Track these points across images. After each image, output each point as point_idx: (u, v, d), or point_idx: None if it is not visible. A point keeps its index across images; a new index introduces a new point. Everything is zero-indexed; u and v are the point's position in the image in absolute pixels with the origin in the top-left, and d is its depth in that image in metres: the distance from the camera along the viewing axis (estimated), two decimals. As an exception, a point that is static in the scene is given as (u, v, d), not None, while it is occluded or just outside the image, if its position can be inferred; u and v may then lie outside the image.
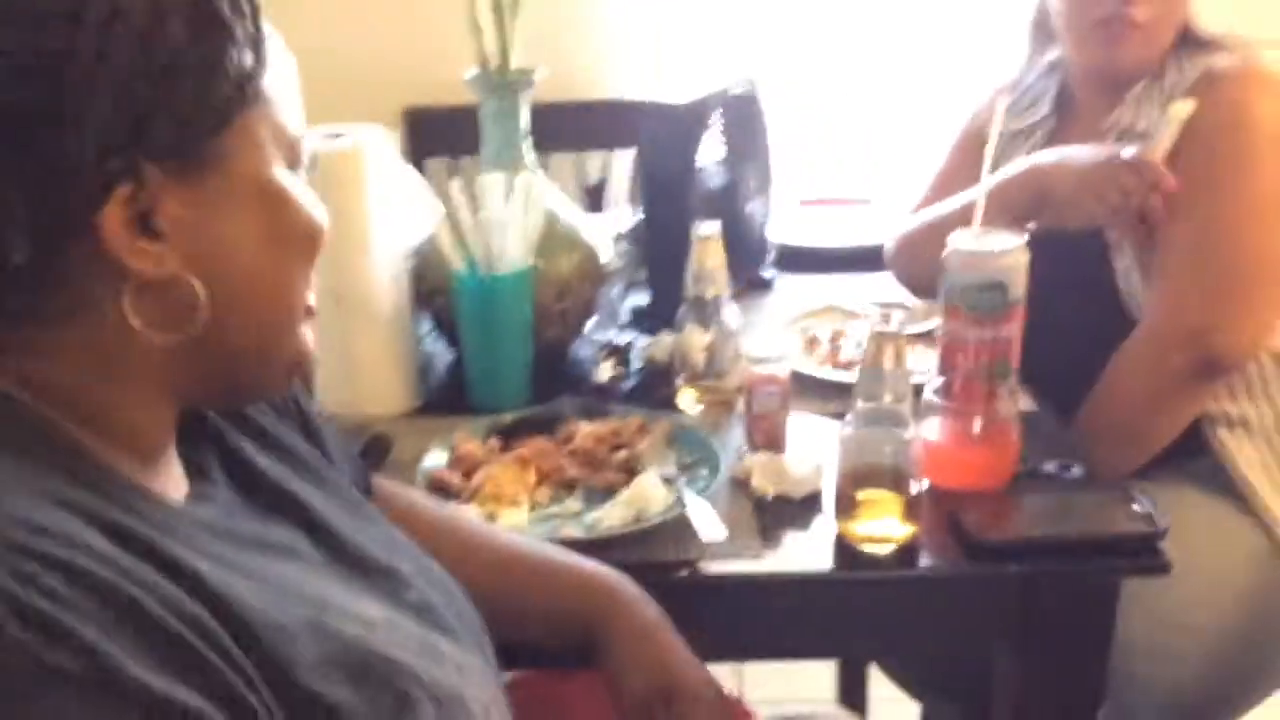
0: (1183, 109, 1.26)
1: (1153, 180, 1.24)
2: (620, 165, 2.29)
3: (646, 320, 1.48)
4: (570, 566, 0.90)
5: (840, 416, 1.05)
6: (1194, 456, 1.32)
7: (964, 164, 1.46)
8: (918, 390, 1.09)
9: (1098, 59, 1.36)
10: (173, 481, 0.64)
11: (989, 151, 1.19)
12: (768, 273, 1.66)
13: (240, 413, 0.73)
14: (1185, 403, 1.29)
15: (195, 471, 0.67)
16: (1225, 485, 1.32)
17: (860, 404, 1.03)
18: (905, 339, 1.06)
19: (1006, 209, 1.34)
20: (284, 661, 0.54)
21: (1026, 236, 1.11)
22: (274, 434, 0.74)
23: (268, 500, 0.68)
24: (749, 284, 1.61)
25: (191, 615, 0.50)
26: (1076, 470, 1.09)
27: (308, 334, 0.68)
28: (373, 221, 1.21)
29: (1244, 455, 1.32)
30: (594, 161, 2.31)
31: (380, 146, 1.22)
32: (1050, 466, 1.11)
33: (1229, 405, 1.32)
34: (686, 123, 1.43)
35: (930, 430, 1.08)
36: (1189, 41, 1.35)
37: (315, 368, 1.26)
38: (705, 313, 1.26)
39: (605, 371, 1.36)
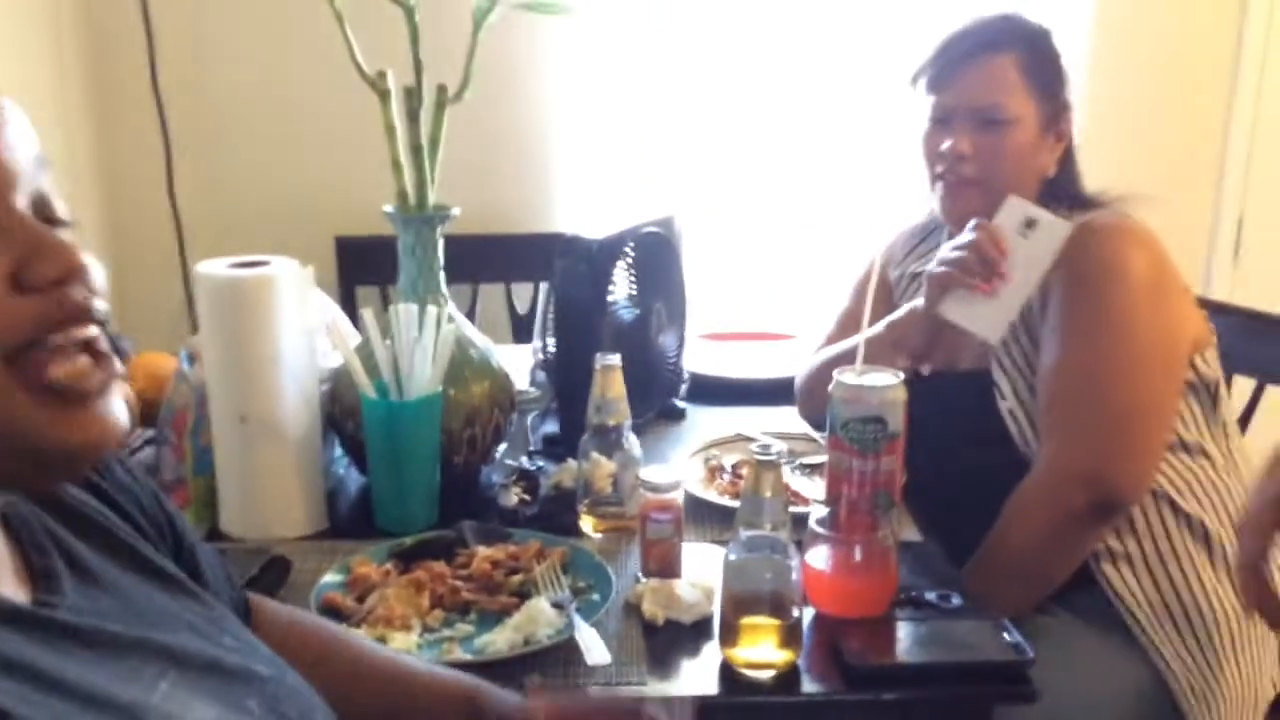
0: (1061, 229, 1.33)
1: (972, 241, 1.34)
2: (543, 298, 2.36)
3: (556, 447, 1.52)
4: (441, 679, 0.92)
5: (730, 538, 1.09)
6: (1078, 590, 1.37)
7: (861, 305, 1.54)
8: (800, 519, 1.13)
9: (944, 211, 1.46)
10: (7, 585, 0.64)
11: (868, 301, 1.26)
12: (680, 403, 1.71)
13: (88, 522, 0.72)
14: (1081, 542, 1.34)
15: (42, 575, 0.66)
16: (1111, 618, 1.35)
17: (741, 531, 1.06)
18: (782, 468, 1.10)
19: (900, 348, 1.41)
20: None
21: (903, 376, 1.17)
22: (126, 543, 0.74)
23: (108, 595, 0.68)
24: (661, 413, 1.66)
25: None
26: (955, 600, 1.13)
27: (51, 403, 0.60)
28: (282, 346, 1.25)
29: (1129, 589, 1.36)
30: (524, 292, 2.38)
31: (294, 276, 1.26)
32: (931, 595, 1.14)
33: (1113, 541, 1.37)
34: (598, 258, 1.49)
35: (815, 558, 1.12)
36: (1064, 197, 1.44)
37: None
38: (607, 441, 1.30)
39: (512, 497, 1.39)
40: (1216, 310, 1.53)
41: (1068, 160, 1.47)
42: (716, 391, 1.78)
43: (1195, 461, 1.39)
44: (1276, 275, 2.38)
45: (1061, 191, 1.45)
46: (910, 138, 1.48)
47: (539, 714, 0.86)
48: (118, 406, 0.63)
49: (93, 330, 0.62)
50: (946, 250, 1.37)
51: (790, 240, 2.54)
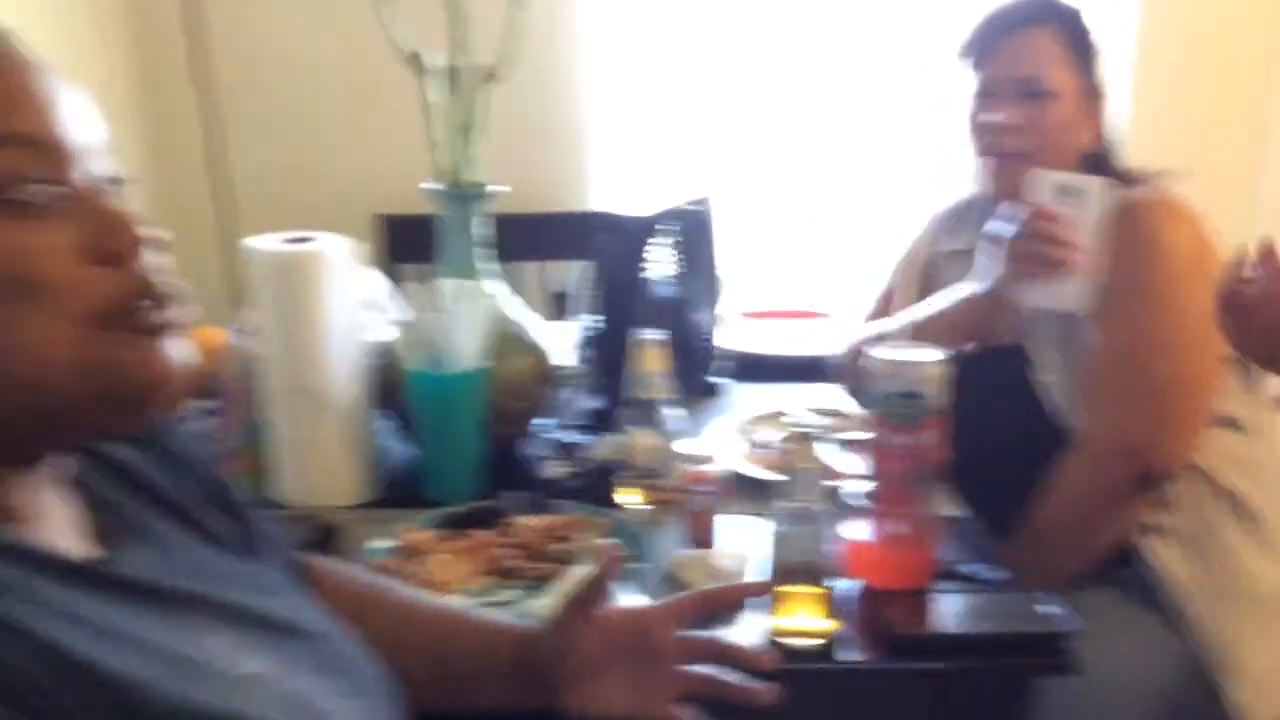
0: (1095, 184, 1.35)
1: (1036, 228, 1.34)
2: (582, 275, 2.38)
3: (597, 421, 1.54)
4: (488, 618, 0.94)
5: (769, 512, 1.11)
6: (1119, 566, 1.37)
7: (907, 283, 1.55)
8: (838, 493, 1.14)
9: (991, 184, 1.46)
10: (64, 538, 0.66)
11: (914, 281, 1.26)
12: (715, 379, 1.72)
13: (143, 482, 0.75)
14: (1124, 514, 1.35)
15: (103, 531, 0.69)
16: (1151, 594, 1.36)
17: (783, 504, 1.08)
18: (820, 442, 1.11)
19: (953, 329, 1.43)
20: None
21: (947, 352, 1.17)
22: (179, 504, 0.76)
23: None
24: (696, 389, 1.68)
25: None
26: (996, 574, 1.14)
27: (123, 346, 0.63)
28: (330, 321, 1.28)
29: (1168, 564, 1.37)
30: (558, 271, 2.40)
31: (341, 251, 1.29)
32: (972, 569, 1.16)
33: (1153, 516, 1.37)
34: (635, 237, 1.51)
35: (857, 530, 1.13)
36: (1106, 171, 1.44)
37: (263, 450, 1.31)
38: (646, 415, 1.32)
39: (554, 469, 1.41)
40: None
41: (1107, 136, 1.47)
42: (756, 368, 1.79)
43: (1235, 435, 1.39)
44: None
45: (1103, 165, 1.45)
46: (946, 114, 1.49)
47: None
48: (182, 347, 0.66)
49: (159, 302, 0.64)
50: (1004, 242, 1.37)
51: (825, 219, 2.54)
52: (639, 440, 1.32)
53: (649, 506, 1.32)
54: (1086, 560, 1.37)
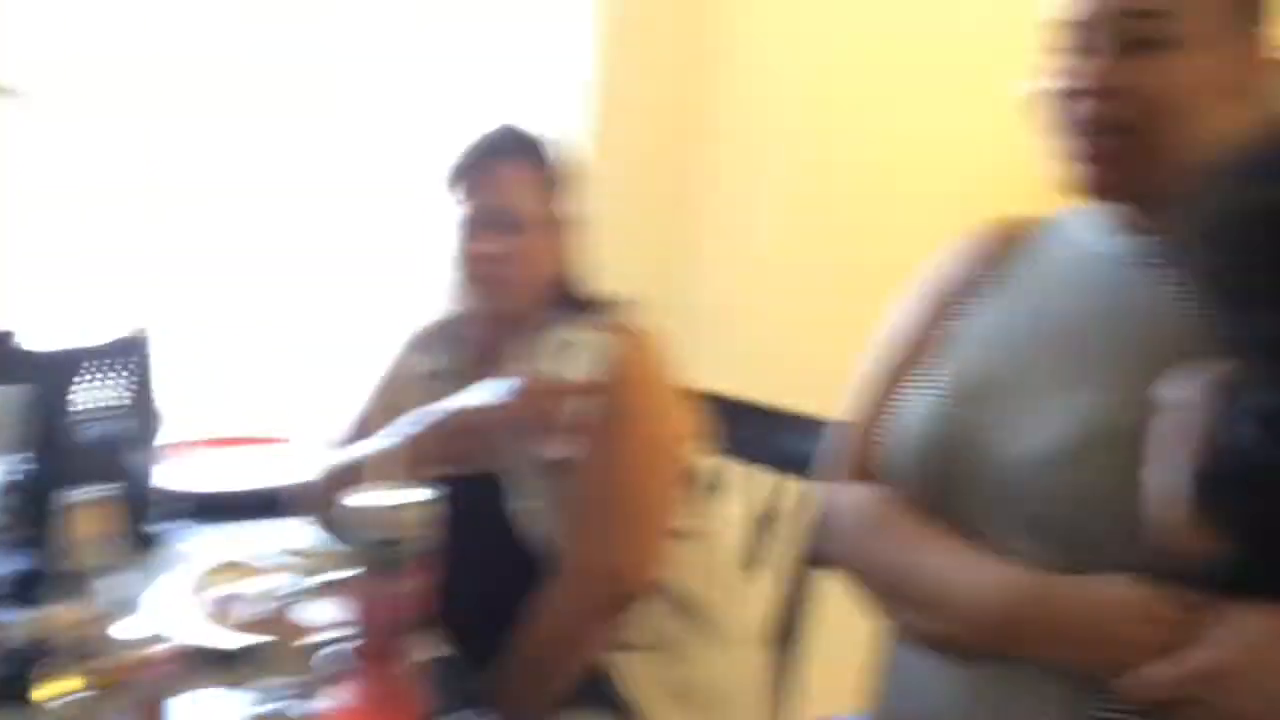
0: (588, 340, 1.40)
1: (557, 394, 1.36)
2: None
3: (21, 589, 1.29)
4: None
5: (240, 684, 0.98)
6: (591, 685, 1.39)
7: (383, 406, 1.50)
8: (322, 649, 1.04)
9: (473, 310, 1.49)
10: None
11: (385, 407, 1.21)
12: (162, 527, 1.53)
13: None
14: (603, 636, 1.39)
15: None
16: (622, 710, 1.40)
17: (253, 672, 0.96)
18: (294, 594, 1.01)
19: (421, 451, 1.38)
20: None
21: (430, 490, 1.13)
22: None
23: None
24: (141, 542, 1.47)
25: None
26: (484, 715, 1.10)
27: None
28: None
29: (639, 675, 1.42)
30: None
31: None
32: (461, 714, 1.10)
33: (622, 632, 1.42)
34: (62, 370, 1.30)
35: (338, 689, 1.03)
36: (574, 300, 1.50)
37: None
38: (76, 585, 1.11)
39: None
40: (696, 395, 1.65)
41: (576, 265, 1.53)
42: (211, 509, 1.62)
43: (686, 545, 1.48)
44: (739, 358, 2.64)
45: (572, 294, 1.51)
46: (423, 236, 1.48)
47: None
48: None
49: None
50: (516, 390, 1.36)
51: (288, 339, 2.39)
52: (67, 616, 1.10)
53: (83, 696, 1.10)
54: (566, 685, 1.37)
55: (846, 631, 1.32)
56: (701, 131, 2.58)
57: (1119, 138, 1.00)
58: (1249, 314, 0.84)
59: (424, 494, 1.11)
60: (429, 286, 1.53)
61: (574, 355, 1.41)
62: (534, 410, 1.36)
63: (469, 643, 1.31)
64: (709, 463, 1.54)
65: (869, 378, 1.21)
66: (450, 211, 1.47)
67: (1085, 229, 1.10)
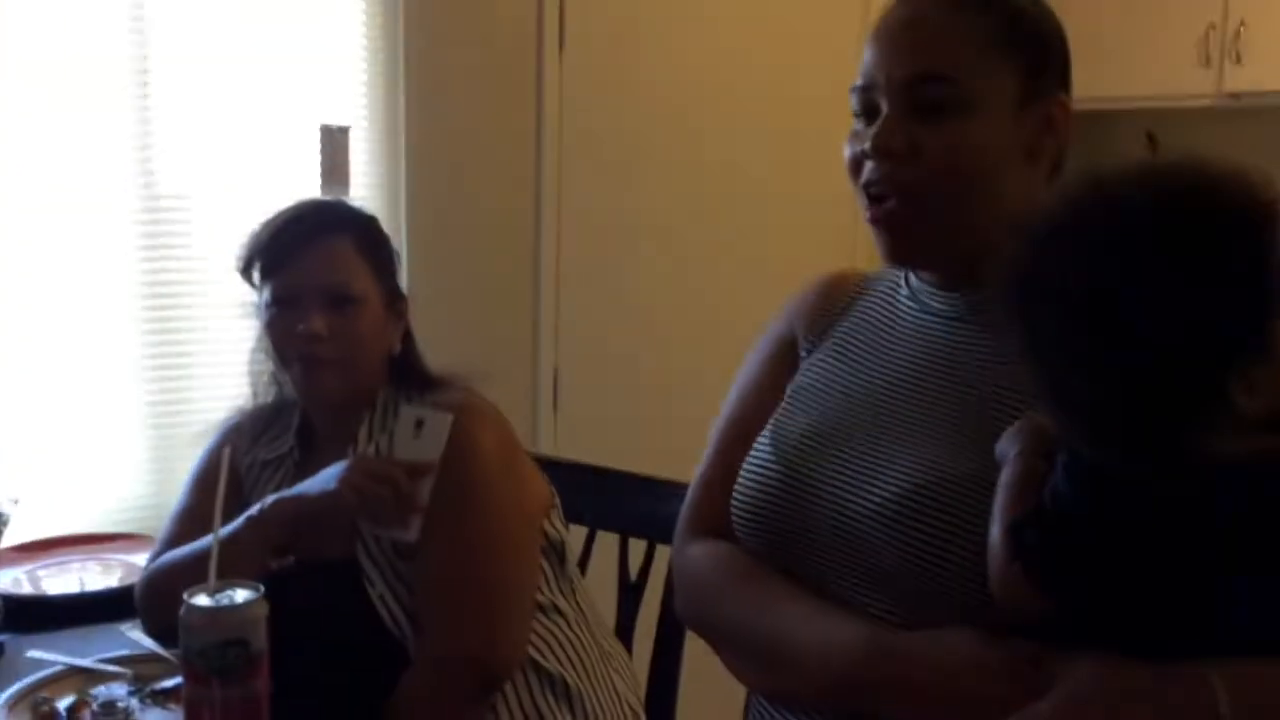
0: (429, 418, 1.36)
1: (391, 475, 1.32)
2: None
3: None
4: None
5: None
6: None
7: (208, 500, 1.42)
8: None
9: (303, 394, 1.44)
10: None
11: (218, 498, 1.15)
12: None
13: None
14: (472, 715, 1.35)
15: None
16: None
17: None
18: (139, 708, 0.96)
19: (264, 543, 1.33)
20: None
21: (264, 586, 1.08)
22: None
23: None
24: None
25: None
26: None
27: None
28: None
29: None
30: None
31: None
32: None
33: (487, 713, 1.38)
34: None
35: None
36: (412, 376, 1.47)
37: None
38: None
39: None
40: (553, 467, 1.64)
41: (409, 339, 1.50)
42: (35, 615, 1.52)
43: (551, 620, 1.45)
44: (590, 422, 2.65)
45: (408, 370, 1.48)
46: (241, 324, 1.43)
47: None
48: None
49: None
50: (349, 475, 1.33)
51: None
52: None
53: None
54: None
55: (722, 696, 1.30)
56: (551, 202, 2.61)
57: (907, 202, 1.01)
58: (1050, 374, 0.87)
59: (260, 592, 1.06)
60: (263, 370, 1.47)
61: (416, 434, 1.37)
62: (369, 494, 1.32)
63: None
64: (568, 534, 1.52)
65: (715, 437, 1.22)
66: (260, 294, 1.42)
67: (904, 285, 1.13)
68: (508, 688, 1.39)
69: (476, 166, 2.51)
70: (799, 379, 1.16)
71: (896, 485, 0.99)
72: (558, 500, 1.52)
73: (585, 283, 2.66)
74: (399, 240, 2.36)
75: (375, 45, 2.34)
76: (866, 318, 1.15)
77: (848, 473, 1.04)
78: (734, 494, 1.13)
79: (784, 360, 1.19)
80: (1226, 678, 0.81)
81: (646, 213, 2.71)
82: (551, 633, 1.44)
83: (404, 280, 2.19)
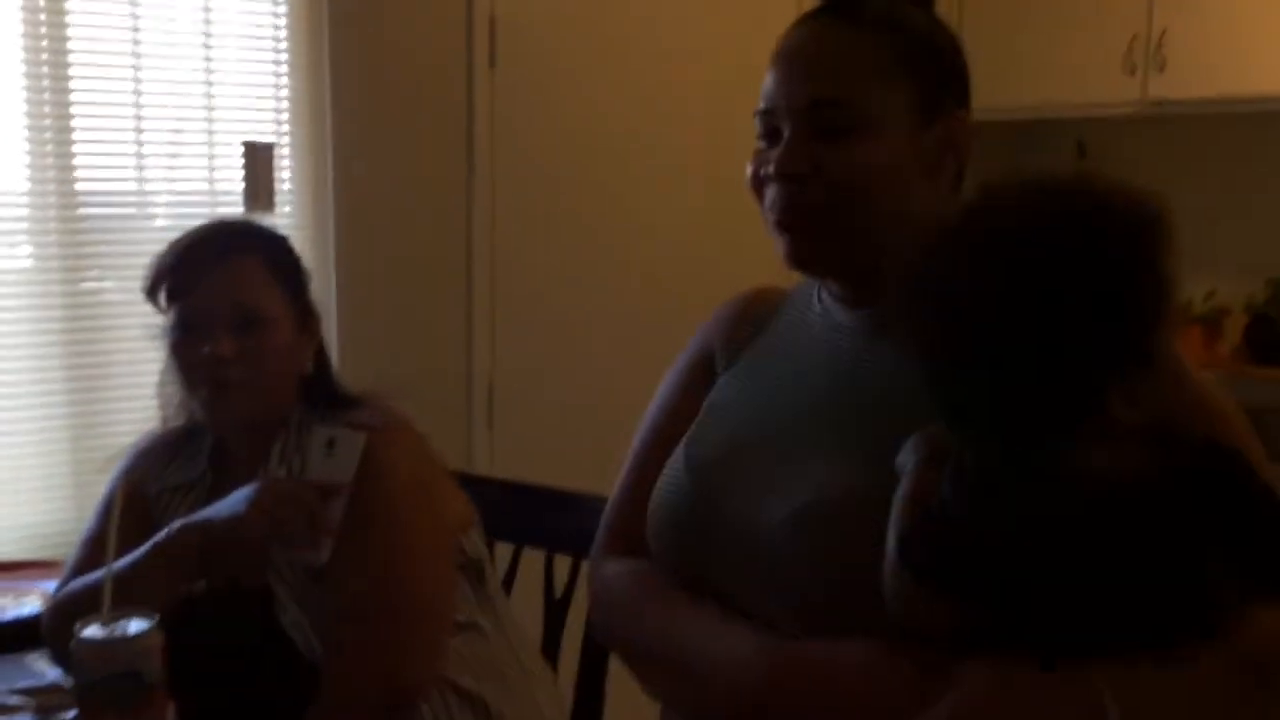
0: (358, 439, 1.34)
1: (298, 497, 1.31)
2: None
3: None
4: None
5: None
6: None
7: (121, 525, 1.40)
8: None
9: (210, 418, 1.42)
10: None
11: (111, 527, 1.14)
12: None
13: None
14: None
15: None
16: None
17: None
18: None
19: (170, 570, 1.31)
20: None
21: (157, 614, 1.07)
22: None
23: None
24: None
25: None
26: None
27: None
28: None
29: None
30: None
31: None
32: None
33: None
34: None
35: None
36: (326, 396, 1.45)
37: None
38: None
39: None
40: (478, 484, 1.63)
41: (322, 358, 1.49)
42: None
43: (469, 639, 1.44)
44: (525, 438, 2.64)
45: (322, 389, 1.46)
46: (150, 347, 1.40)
47: None
48: None
49: None
50: (257, 498, 1.31)
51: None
52: None
53: None
54: None
55: (648, 713, 1.30)
56: (485, 214, 2.60)
57: (808, 219, 1.03)
58: (937, 377, 0.89)
59: (153, 621, 1.05)
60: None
61: (328, 454, 1.35)
62: (278, 517, 1.30)
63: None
64: (488, 553, 1.51)
65: (631, 455, 1.23)
66: (166, 317, 1.39)
67: (817, 301, 1.15)
68: (425, 708, 1.37)
69: (406, 182, 2.50)
70: (713, 396, 1.17)
71: (801, 498, 1.00)
72: (478, 518, 1.51)
73: (520, 298, 2.66)
74: (327, 258, 2.35)
75: (299, 62, 2.32)
76: (780, 334, 1.17)
77: (755, 487, 1.05)
78: (648, 510, 1.14)
79: (701, 378, 1.20)
80: (1113, 680, 0.83)
81: (580, 228, 2.72)
82: (471, 651, 1.43)
83: (332, 299, 2.19)
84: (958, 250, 0.87)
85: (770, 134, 1.06)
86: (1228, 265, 2.85)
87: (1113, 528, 0.82)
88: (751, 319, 1.20)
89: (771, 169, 1.04)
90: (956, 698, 0.86)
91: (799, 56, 1.05)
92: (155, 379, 1.48)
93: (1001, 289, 0.84)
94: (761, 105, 1.06)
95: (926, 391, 0.90)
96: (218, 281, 1.38)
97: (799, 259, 1.07)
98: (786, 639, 0.98)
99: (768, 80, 1.06)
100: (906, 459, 0.92)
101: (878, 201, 1.02)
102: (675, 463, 1.13)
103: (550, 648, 1.68)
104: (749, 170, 1.08)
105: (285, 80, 2.31)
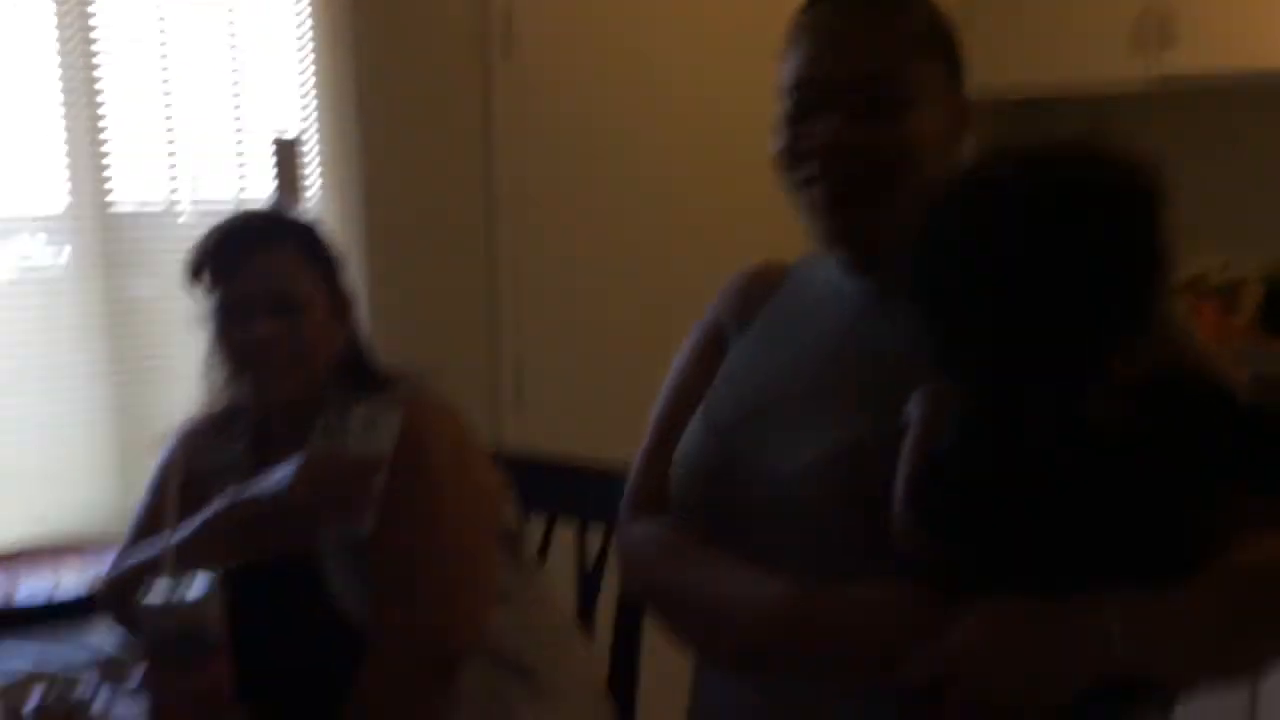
0: (381, 415, 1.37)
1: (342, 470, 1.34)
2: None
3: None
4: None
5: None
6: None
7: (166, 504, 1.46)
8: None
9: (257, 401, 1.48)
10: None
11: (170, 500, 1.20)
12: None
13: None
14: (428, 702, 1.38)
15: None
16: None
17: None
18: (88, 696, 1.00)
19: (218, 543, 1.36)
20: None
21: (216, 578, 1.12)
22: None
23: None
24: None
25: None
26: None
27: None
28: None
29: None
30: None
31: None
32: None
33: (446, 694, 1.42)
34: None
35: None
36: (362, 376, 1.51)
37: None
38: None
39: None
40: (509, 462, 1.68)
41: (358, 341, 1.54)
42: (11, 622, 1.55)
43: (507, 607, 1.49)
44: (554, 416, 2.69)
45: (358, 370, 1.51)
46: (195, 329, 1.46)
47: None
48: None
49: None
50: (302, 472, 1.34)
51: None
52: None
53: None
54: None
55: (682, 678, 1.35)
56: (507, 198, 2.66)
57: (863, 191, 1.07)
58: (949, 340, 0.94)
59: (212, 585, 1.10)
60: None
61: (367, 430, 1.40)
62: (320, 489, 1.35)
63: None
64: (526, 524, 1.57)
65: (652, 423, 1.29)
66: (207, 301, 1.45)
67: (828, 271, 1.19)
68: (467, 675, 1.42)
69: (430, 164, 2.55)
70: (727, 363, 1.23)
71: (820, 447, 1.06)
72: (511, 492, 1.56)
73: (544, 279, 2.70)
74: (356, 246, 2.41)
75: (325, 57, 2.38)
76: (788, 303, 1.23)
77: (775, 440, 1.11)
78: (672, 471, 1.19)
79: (713, 349, 1.26)
80: (1118, 606, 0.88)
81: (603, 209, 2.75)
82: (511, 620, 1.48)
83: (363, 284, 2.24)
84: (964, 212, 0.92)
85: (804, 109, 1.09)
86: (1243, 238, 2.87)
87: (1109, 467, 0.87)
88: (758, 291, 1.26)
89: (817, 143, 1.07)
90: (966, 629, 0.92)
91: (835, 32, 1.09)
92: (189, 369, 1.53)
93: (1003, 249, 0.89)
94: (791, 80, 1.10)
95: (932, 347, 0.95)
96: (256, 267, 1.43)
97: (844, 231, 1.11)
98: (811, 583, 1.03)
99: (795, 57, 1.10)
100: (913, 411, 0.97)
101: (920, 172, 1.06)
102: (695, 425, 1.19)
103: (584, 617, 1.73)
104: (779, 145, 1.12)
105: (311, 75, 2.37)
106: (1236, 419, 0.90)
